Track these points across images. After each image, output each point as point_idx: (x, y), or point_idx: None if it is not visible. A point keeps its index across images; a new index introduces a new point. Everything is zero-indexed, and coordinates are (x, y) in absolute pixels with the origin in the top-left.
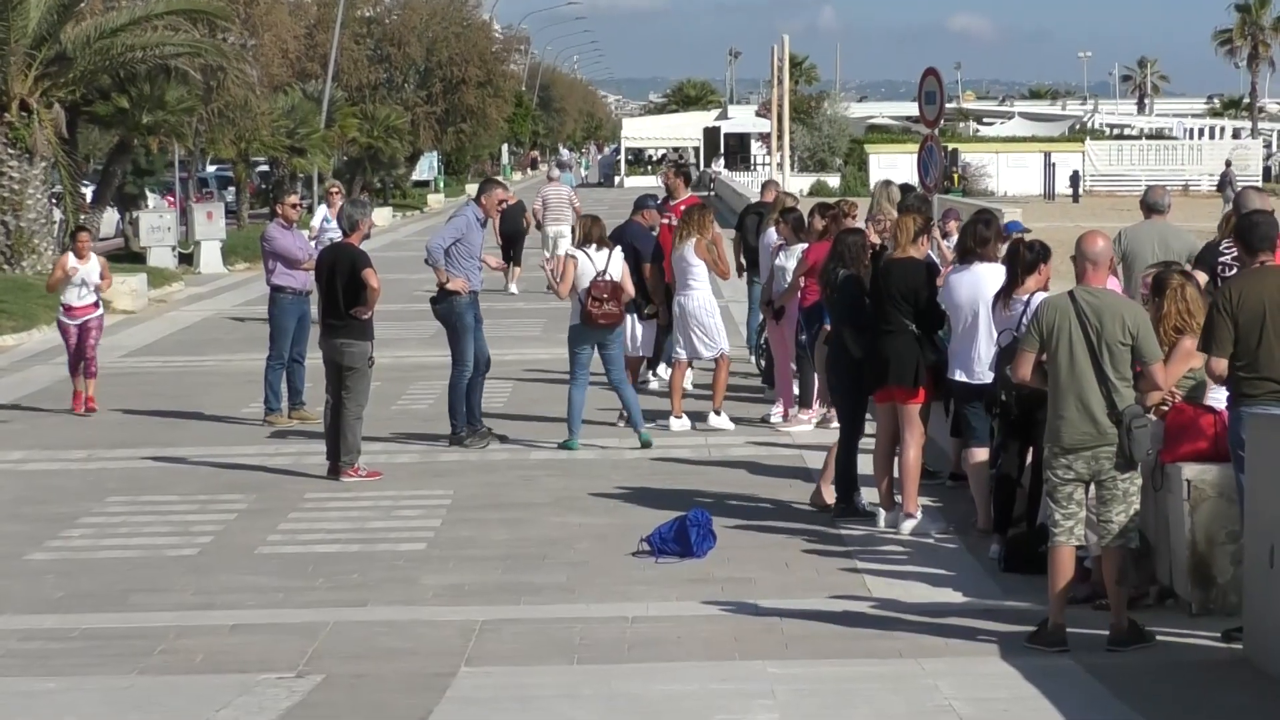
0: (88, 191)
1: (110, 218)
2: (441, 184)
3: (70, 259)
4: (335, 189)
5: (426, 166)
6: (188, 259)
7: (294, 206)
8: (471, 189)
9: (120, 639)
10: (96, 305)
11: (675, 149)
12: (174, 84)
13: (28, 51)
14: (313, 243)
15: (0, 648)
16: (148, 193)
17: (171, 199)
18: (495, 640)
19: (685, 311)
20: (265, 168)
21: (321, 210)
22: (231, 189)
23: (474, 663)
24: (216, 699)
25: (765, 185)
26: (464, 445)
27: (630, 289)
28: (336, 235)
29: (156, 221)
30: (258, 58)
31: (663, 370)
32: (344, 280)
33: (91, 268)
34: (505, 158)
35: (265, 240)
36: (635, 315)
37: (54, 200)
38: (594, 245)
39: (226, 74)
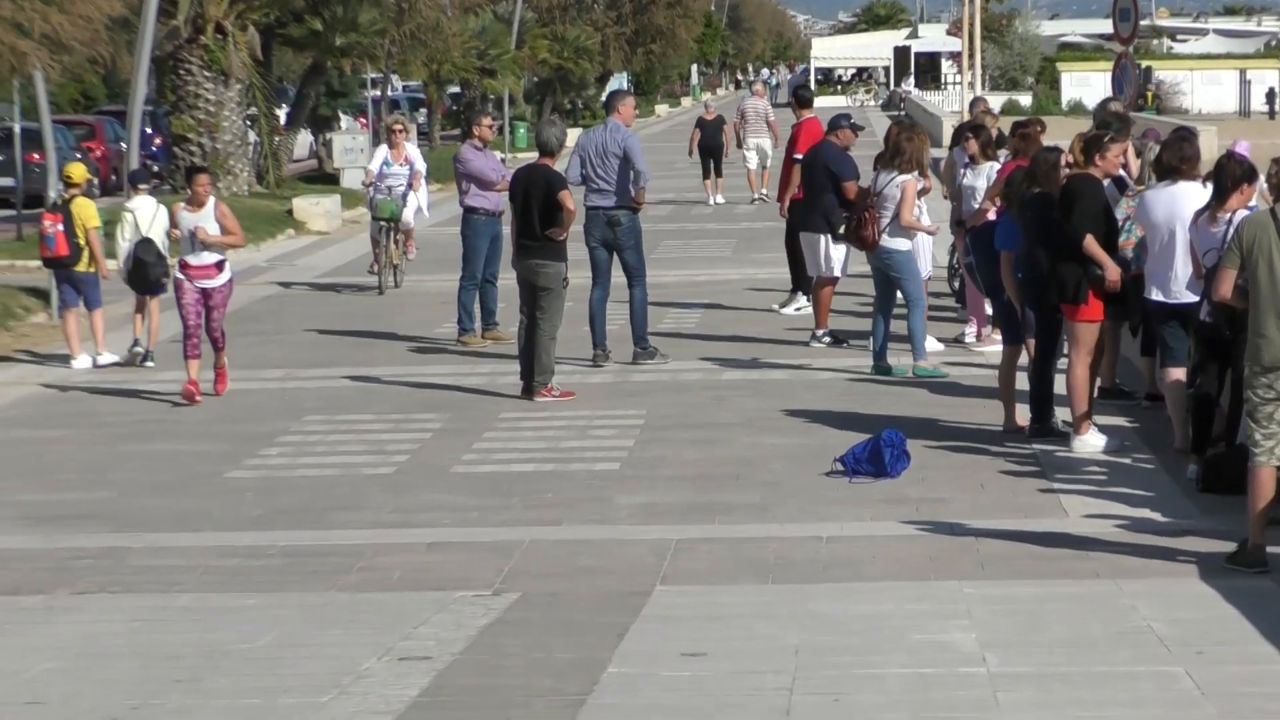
0: (281, 114)
1: (304, 140)
2: None
3: (180, 207)
4: (399, 126)
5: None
6: None
7: (489, 128)
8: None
9: (318, 556)
10: (220, 267)
11: (864, 69)
12: (367, 6)
13: None
14: (369, 189)
15: (200, 564)
16: (340, 115)
17: (364, 121)
18: (690, 559)
19: None
20: (456, 89)
21: (381, 152)
22: (423, 111)
23: (669, 581)
24: (414, 616)
25: (973, 103)
26: (650, 359)
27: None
28: (396, 182)
29: (349, 143)
30: None
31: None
32: (539, 202)
33: (204, 217)
34: (694, 78)
35: (459, 161)
36: (829, 236)
37: (249, 122)
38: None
39: None
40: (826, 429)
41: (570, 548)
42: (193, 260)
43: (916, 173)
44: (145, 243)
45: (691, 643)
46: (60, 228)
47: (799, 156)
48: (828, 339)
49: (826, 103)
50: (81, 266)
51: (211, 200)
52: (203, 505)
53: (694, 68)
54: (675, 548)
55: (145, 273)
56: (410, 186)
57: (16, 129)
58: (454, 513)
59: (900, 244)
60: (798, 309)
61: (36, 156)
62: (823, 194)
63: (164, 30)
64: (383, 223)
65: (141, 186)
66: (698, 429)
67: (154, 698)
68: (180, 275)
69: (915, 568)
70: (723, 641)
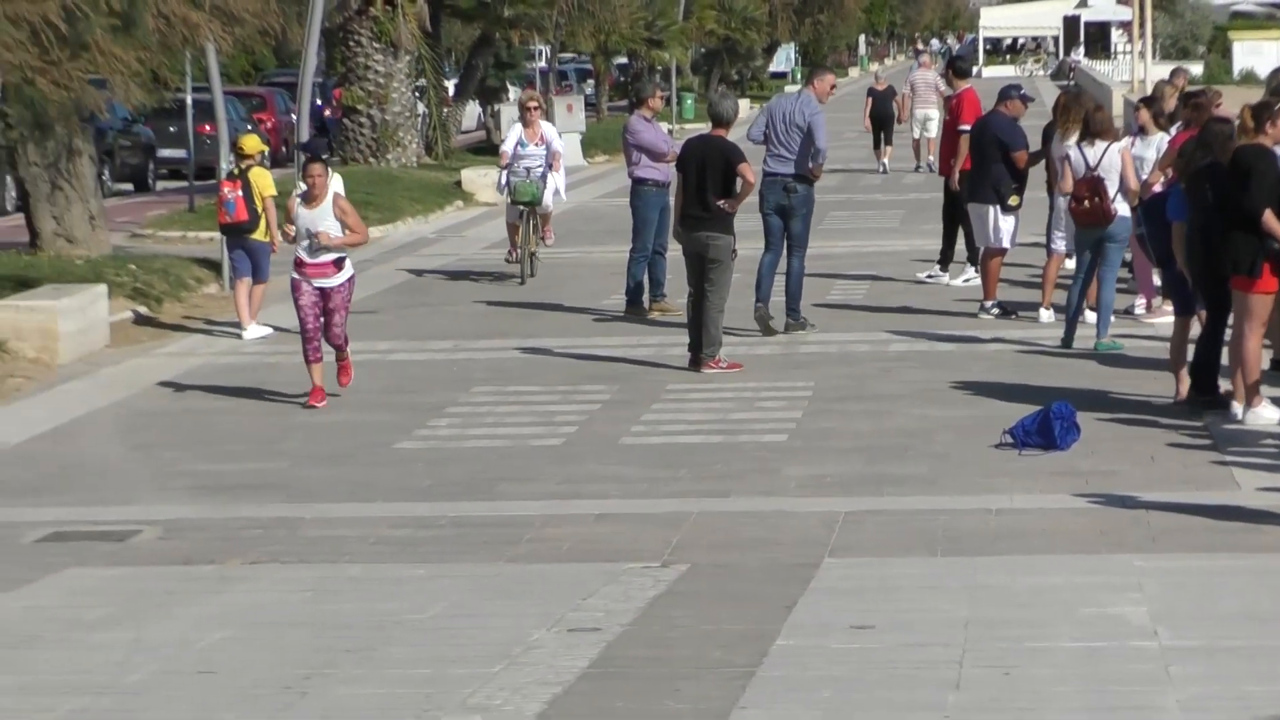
0: (450, 85)
1: (472, 111)
2: (799, 75)
3: (295, 203)
4: (534, 104)
5: (784, 58)
6: None
7: (659, 99)
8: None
9: (488, 527)
10: (339, 265)
11: (1034, 38)
12: None
13: None
14: (503, 174)
15: (372, 534)
16: (509, 86)
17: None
18: (858, 531)
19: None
20: (624, 61)
21: (515, 131)
22: (590, 82)
23: (837, 553)
24: (584, 587)
25: (1174, 73)
26: (800, 329)
27: None
28: (533, 163)
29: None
30: None
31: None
32: (716, 173)
33: (322, 214)
34: (862, 48)
35: (629, 133)
36: (998, 207)
37: (417, 94)
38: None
39: None
40: (995, 401)
41: (738, 519)
42: (309, 258)
43: (1128, 138)
44: None
45: (860, 615)
46: (240, 193)
47: (964, 127)
48: (996, 310)
49: (995, 73)
50: (258, 235)
51: (330, 194)
52: (373, 476)
53: (861, 38)
54: (844, 520)
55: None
56: (549, 167)
57: (188, 100)
58: (622, 484)
59: (1126, 211)
60: (966, 280)
61: (208, 128)
62: (992, 164)
63: (334, 2)
64: (521, 207)
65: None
66: (866, 401)
67: (326, 667)
68: (296, 274)
69: (1085, 540)
70: (891, 614)
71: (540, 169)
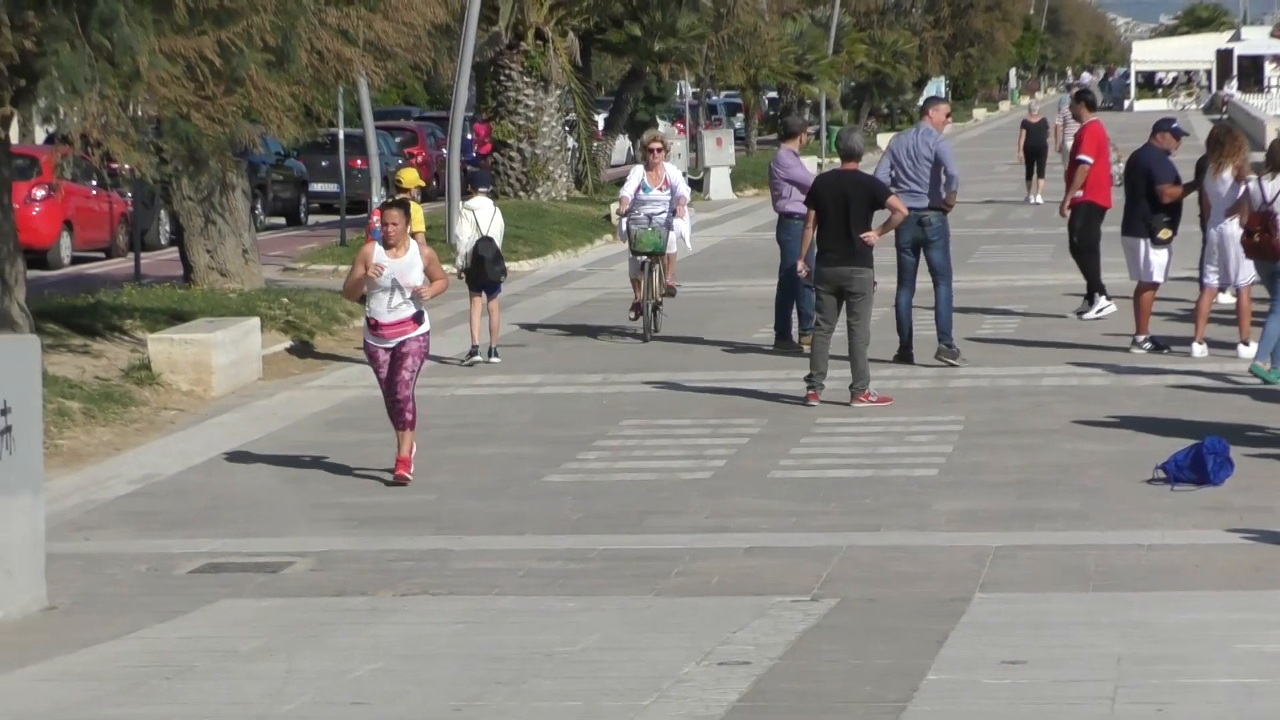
0: (600, 119)
1: (622, 145)
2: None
3: (376, 249)
4: (657, 145)
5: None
6: (697, 185)
7: (807, 134)
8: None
9: (637, 560)
10: (417, 320)
11: (1185, 71)
12: (685, 11)
13: None
14: (623, 221)
15: (521, 567)
16: (658, 119)
17: (681, 125)
18: (1009, 566)
19: (1224, 237)
20: (773, 94)
21: (636, 174)
22: (740, 116)
23: (988, 588)
24: (733, 620)
25: None
26: (952, 358)
27: None
28: (656, 209)
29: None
30: None
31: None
32: (860, 207)
33: (408, 264)
34: (1012, 82)
35: (779, 166)
36: (1149, 240)
37: (567, 128)
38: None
39: (736, 1)
40: (1147, 436)
41: (888, 553)
42: (386, 317)
43: None
44: (485, 241)
45: (1012, 650)
46: None
47: (1084, 158)
48: (1148, 345)
49: (1147, 107)
50: None
51: (413, 244)
52: (522, 508)
53: (1012, 71)
54: (995, 554)
55: (483, 269)
56: (673, 213)
57: (340, 135)
58: (771, 518)
59: None
60: (1099, 312)
61: (359, 163)
62: (1142, 198)
63: (485, 36)
64: (644, 258)
65: (482, 190)
66: (1017, 435)
67: (477, 699)
68: (371, 340)
69: (1239, 576)
70: (1043, 649)
71: (664, 215)
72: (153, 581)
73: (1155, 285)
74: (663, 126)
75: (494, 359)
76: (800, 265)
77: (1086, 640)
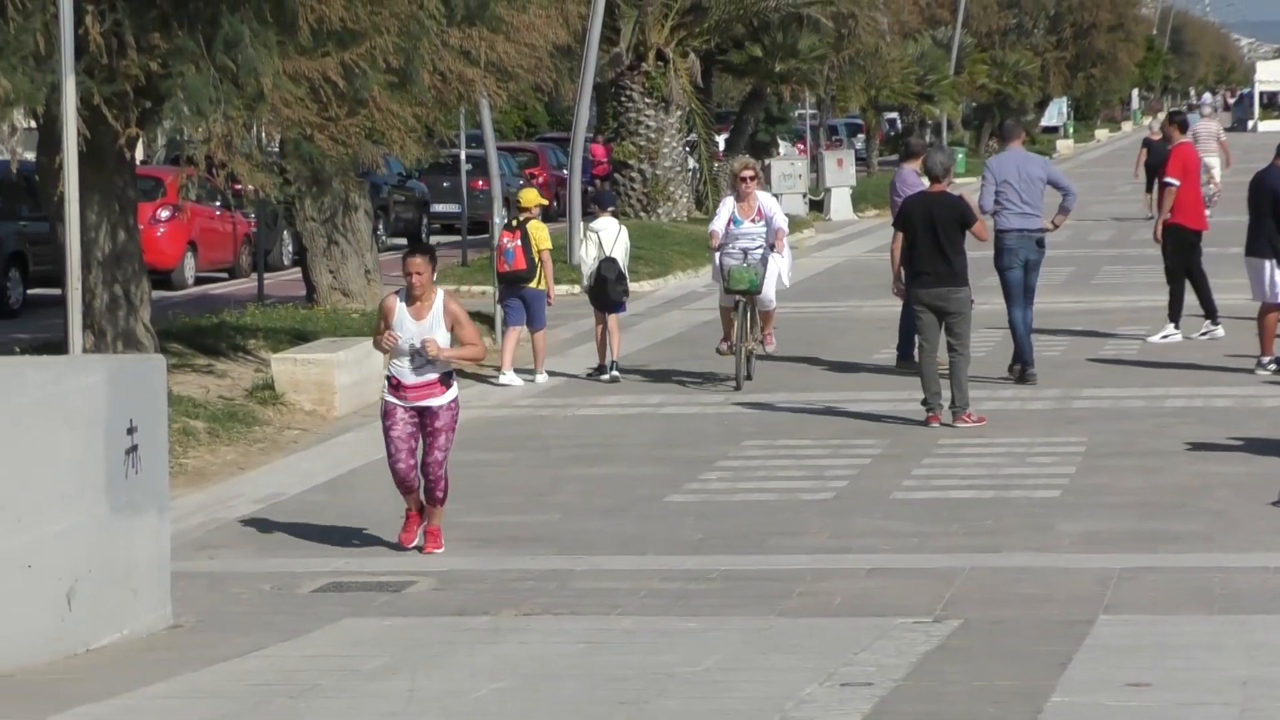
0: (720, 139)
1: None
2: (1070, 129)
3: (399, 306)
4: (749, 173)
5: (1055, 112)
6: (818, 205)
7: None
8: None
9: (759, 580)
10: (445, 383)
11: None
12: (806, 32)
13: (665, 2)
14: (715, 256)
15: (643, 587)
16: (779, 140)
17: (802, 146)
18: (1133, 588)
19: None
20: (894, 115)
21: (727, 206)
22: (861, 136)
23: (1112, 610)
24: (855, 641)
25: None
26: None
27: None
28: (751, 244)
29: (788, 169)
30: (888, 5)
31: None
32: (951, 227)
33: (433, 323)
34: (1135, 102)
35: (901, 186)
36: (1274, 261)
37: (688, 148)
38: None
39: (858, 22)
40: (1273, 458)
41: (1011, 575)
42: (411, 379)
43: None
44: (609, 261)
45: (1136, 672)
46: (519, 244)
47: (1170, 180)
48: (1273, 366)
49: (1271, 127)
50: (534, 284)
51: (439, 297)
52: (644, 529)
53: (1134, 92)
54: (1118, 576)
55: (606, 290)
56: (770, 248)
57: (462, 156)
58: (893, 538)
59: None
60: (1164, 337)
61: (480, 184)
62: (1266, 218)
63: (606, 57)
64: (739, 297)
65: (609, 209)
66: (1140, 457)
67: (600, 719)
68: (390, 398)
69: None
70: (1168, 672)
71: (759, 250)
72: (276, 600)
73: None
74: (783, 148)
75: (614, 375)
76: (894, 285)
77: (1211, 663)
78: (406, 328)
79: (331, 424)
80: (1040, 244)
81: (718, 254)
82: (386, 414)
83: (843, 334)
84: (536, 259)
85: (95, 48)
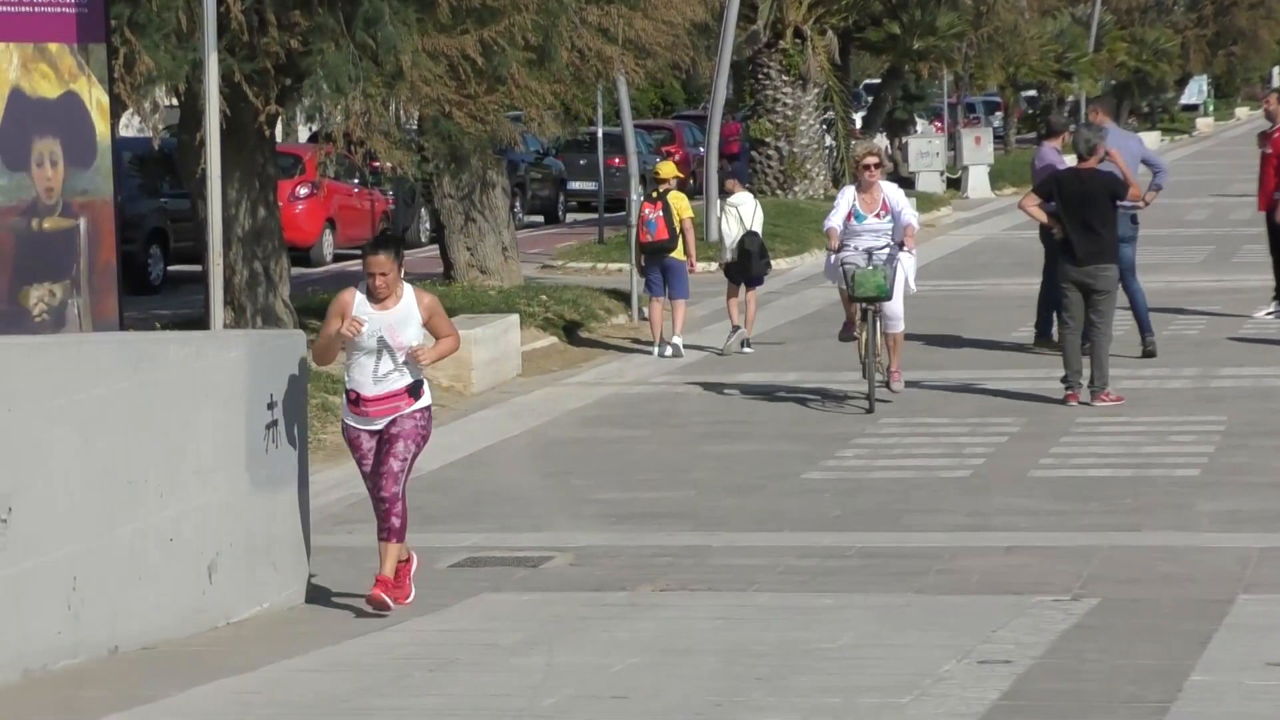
0: (857, 118)
1: (879, 143)
2: (1210, 108)
3: (357, 299)
4: (873, 159)
5: (1195, 90)
6: (955, 184)
7: (1071, 133)
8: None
9: (896, 558)
10: (413, 393)
11: None
12: (945, 9)
13: None
14: (831, 257)
15: (780, 563)
16: (916, 118)
17: (939, 124)
18: (1273, 568)
19: None
20: (1032, 93)
21: (847, 197)
22: (998, 114)
23: (1252, 590)
24: (993, 619)
25: None
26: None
27: None
28: (875, 242)
29: (925, 147)
30: None
31: None
32: (1103, 203)
33: (400, 317)
34: (1276, 79)
35: (1041, 163)
36: None
37: (825, 126)
38: None
39: None
40: None
41: (1150, 554)
42: (371, 389)
43: None
44: (750, 235)
45: (1277, 652)
46: (660, 214)
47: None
48: None
49: None
50: (676, 254)
51: (408, 291)
52: (780, 505)
53: (1275, 69)
54: (1259, 556)
55: (750, 263)
56: (899, 246)
57: (599, 134)
58: (1031, 516)
59: None
60: (1268, 313)
61: (617, 161)
62: None
63: (743, 35)
64: (865, 305)
65: (745, 185)
66: None
67: (736, 694)
68: (350, 421)
69: None
70: None
71: (886, 249)
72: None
73: None
74: (920, 126)
75: (746, 349)
76: (1050, 222)
77: None
78: (371, 319)
79: (469, 400)
80: (1134, 220)
81: (834, 255)
82: (352, 444)
83: (981, 312)
84: (678, 228)
85: (236, 25)
